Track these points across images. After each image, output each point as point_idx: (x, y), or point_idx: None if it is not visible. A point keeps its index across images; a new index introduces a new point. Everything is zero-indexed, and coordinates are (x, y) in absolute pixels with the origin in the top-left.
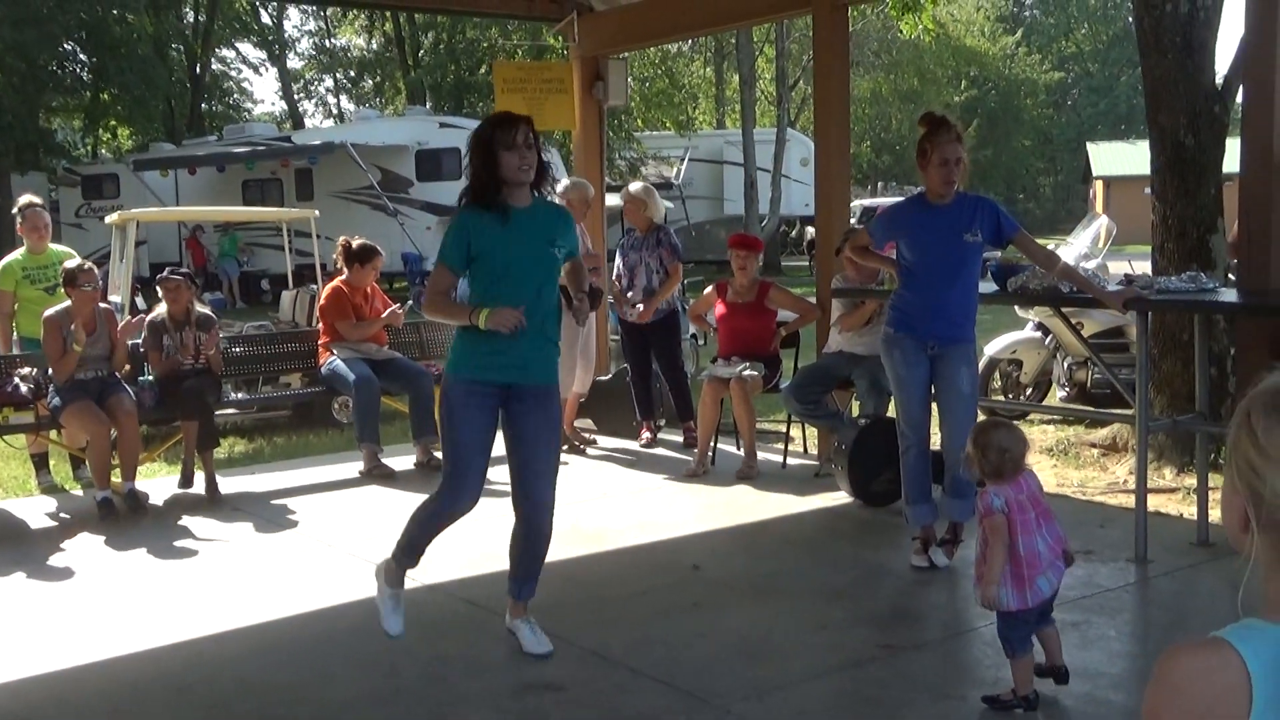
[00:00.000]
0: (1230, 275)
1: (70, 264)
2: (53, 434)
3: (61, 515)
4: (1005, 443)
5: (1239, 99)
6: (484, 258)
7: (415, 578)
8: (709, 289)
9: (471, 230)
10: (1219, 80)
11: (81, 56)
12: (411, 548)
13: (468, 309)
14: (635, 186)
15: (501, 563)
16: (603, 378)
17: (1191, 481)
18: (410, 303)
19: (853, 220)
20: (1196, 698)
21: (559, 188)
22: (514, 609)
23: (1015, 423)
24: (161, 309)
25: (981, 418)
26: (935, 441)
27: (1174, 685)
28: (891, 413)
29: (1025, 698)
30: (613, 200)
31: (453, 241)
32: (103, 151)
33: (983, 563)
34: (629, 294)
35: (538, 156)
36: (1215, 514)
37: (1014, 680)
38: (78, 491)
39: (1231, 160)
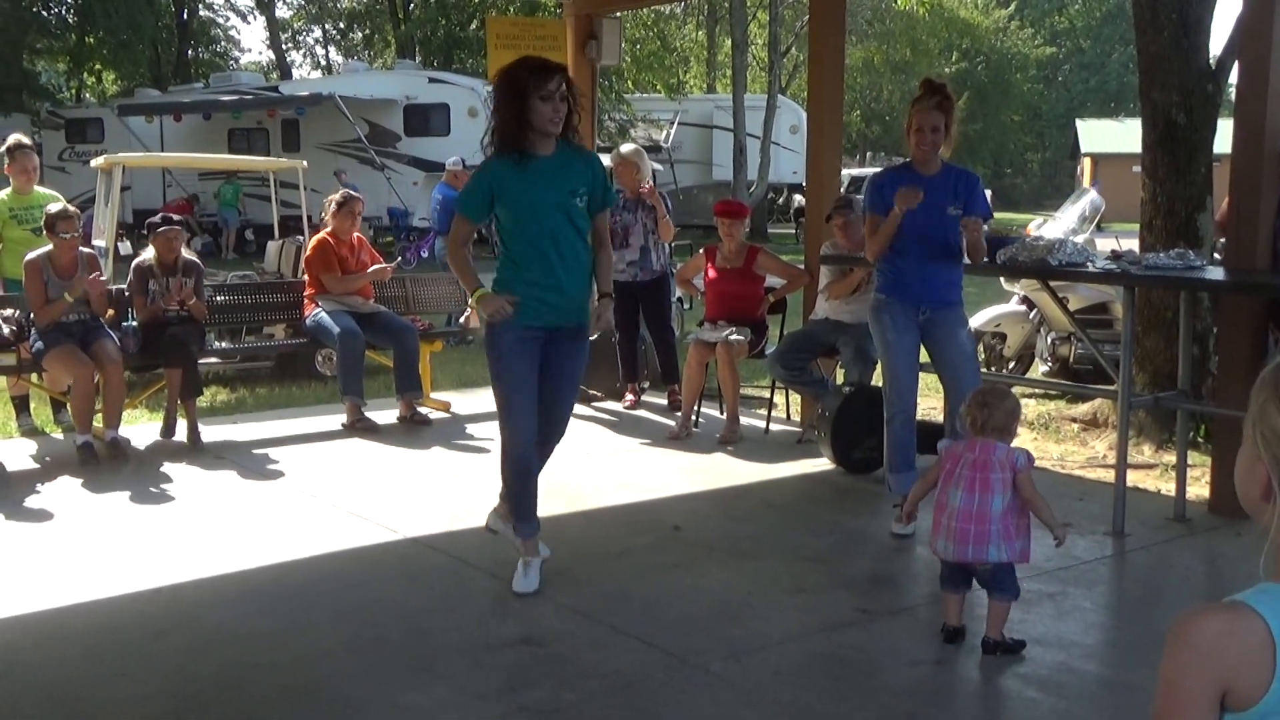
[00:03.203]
0: (1216, 254)
1: (52, 208)
2: (34, 377)
3: (42, 459)
4: (973, 404)
5: (1232, 79)
6: (506, 204)
7: (398, 530)
8: (699, 253)
9: (494, 178)
10: (1213, 59)
11: None
12: (518, 508)
13: (474, 283)
14: (627, 148)
15: (483, 518)
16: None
17: (1170, 458)
18: (399, 260)
19: (842, 189)
20: (1218, 660)
21: None
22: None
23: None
24: (149, 254)
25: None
26: (919, 412)
27: (1194, 647)
28: (876, 381)
29: (944, 626)
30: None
31: (472, 190)
32: (87, 95)
33: None
34: (626, 252)
35: (568, 107)
36: (1193, 490)
37: None
38: (58, 435)
39: (1222, 140)
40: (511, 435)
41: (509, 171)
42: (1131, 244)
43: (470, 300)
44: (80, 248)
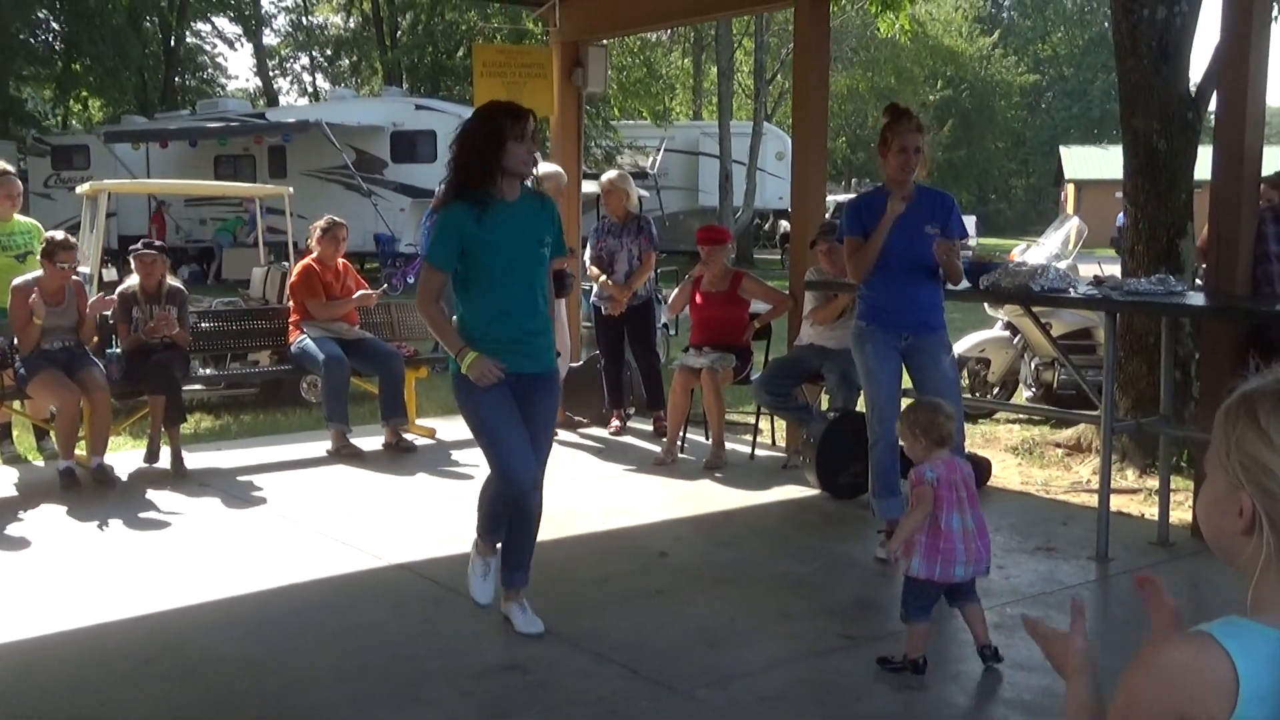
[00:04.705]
0: (1198, 279)
1: (55, 236)
2: (16, 404)
3: (23, 486)
4: (942, 418)
5: (1212, 106)
6: (474, 254)
7: (383, 557)
8: (686, 279)
9: (461, 227)
10: (1193, 87)
11: (54, 25)
12: (491, 527)
13: (458, 343)
14: (613, 174)
15: (468, 544)
16: (574, 364)
17: (1153, 483)
18: (385, 286)
19: (827, 215)
20: (1178, 692)
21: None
22: (506, 595)
23: (978, 419)
24: (132, 281)
25: None
26: None
27: (1158, 677)
28: (861, 407)
29: (914, 661)
30: (589, 187)
31: (442, 240)
32: (73, 122)
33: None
34: (611, 279)
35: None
36: (1176, 515)
37: (907, 644)
38: (40, 463)
39: (1202, 166)
40: (511, 477)
41: (476, 219)
42: (1114, 269)
43: (463, 365)
44: (71, 276)
